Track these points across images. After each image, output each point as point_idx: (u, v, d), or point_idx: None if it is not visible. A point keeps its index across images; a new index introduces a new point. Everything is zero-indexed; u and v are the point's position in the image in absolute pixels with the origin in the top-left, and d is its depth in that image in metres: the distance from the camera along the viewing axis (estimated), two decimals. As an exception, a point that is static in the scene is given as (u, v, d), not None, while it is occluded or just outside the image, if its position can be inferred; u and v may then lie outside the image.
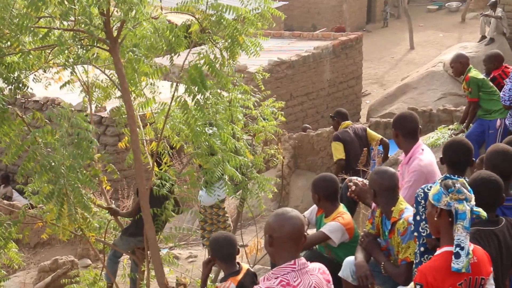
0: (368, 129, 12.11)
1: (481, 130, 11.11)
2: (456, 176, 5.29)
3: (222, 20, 7.16)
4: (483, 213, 5.09)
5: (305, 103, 22.92)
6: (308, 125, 20.20)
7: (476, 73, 11.47)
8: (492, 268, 5.24)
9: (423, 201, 6.12)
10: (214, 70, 7.29)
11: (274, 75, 21.20)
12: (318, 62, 23.13)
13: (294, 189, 15.74)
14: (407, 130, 7.57)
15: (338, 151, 11.64)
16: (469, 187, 5.14)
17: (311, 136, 18.17)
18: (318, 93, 23.18)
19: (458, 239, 4.96)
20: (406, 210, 6.60)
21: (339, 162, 11.62)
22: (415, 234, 6.13)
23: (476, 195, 5.37)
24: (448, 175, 5.33)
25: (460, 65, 11.52)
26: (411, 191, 7.16)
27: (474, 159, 6.77)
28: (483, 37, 26.32)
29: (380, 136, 11.97)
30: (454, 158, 6.67)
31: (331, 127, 18.02)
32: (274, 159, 10.66)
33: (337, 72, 24.03)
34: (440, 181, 5.25)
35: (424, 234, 6.05)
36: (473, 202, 5.07)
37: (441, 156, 6.79)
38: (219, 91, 7.84)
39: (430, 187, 6.14)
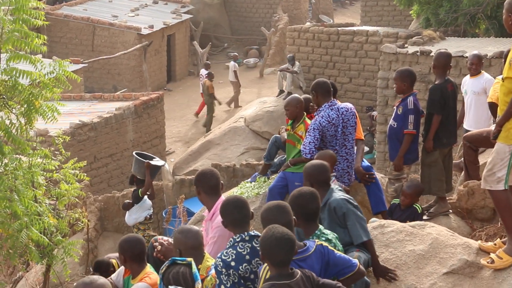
0: None
1: (284, 184, 11.02)
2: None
3: (17, 85, 7.05)
4: None
5: (109, 164, 22.82)
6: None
7: None
8: None
9: (224, 270, 6.32)
10: (11, 135, 7.16)
11: (77, 137, 20.98)
12: (120, 123, 23.10)
13: (102, 252, 15.54)
14: (208, 186, 7.66)
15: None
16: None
17: (117, 197, 18.10)
18: (122, 153, 23.16)
19: None
20: (213, 267, 6.68)
21: None
22: None
23: (270, 254, 5.61)
24: (173, 259, 5.90)
25: (295, 108, 11.08)
26: (216, 246, 7.26)
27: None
28: (281, 91, 27.21)
29: None
30: (234, 215, 6.73)
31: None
32: (79, 223, 10.53)
33: (140, 132, 24.09)
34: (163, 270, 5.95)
35: None
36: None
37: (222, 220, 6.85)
38: (18, 156, 7.70)
39: (226, 253, 6.36)
